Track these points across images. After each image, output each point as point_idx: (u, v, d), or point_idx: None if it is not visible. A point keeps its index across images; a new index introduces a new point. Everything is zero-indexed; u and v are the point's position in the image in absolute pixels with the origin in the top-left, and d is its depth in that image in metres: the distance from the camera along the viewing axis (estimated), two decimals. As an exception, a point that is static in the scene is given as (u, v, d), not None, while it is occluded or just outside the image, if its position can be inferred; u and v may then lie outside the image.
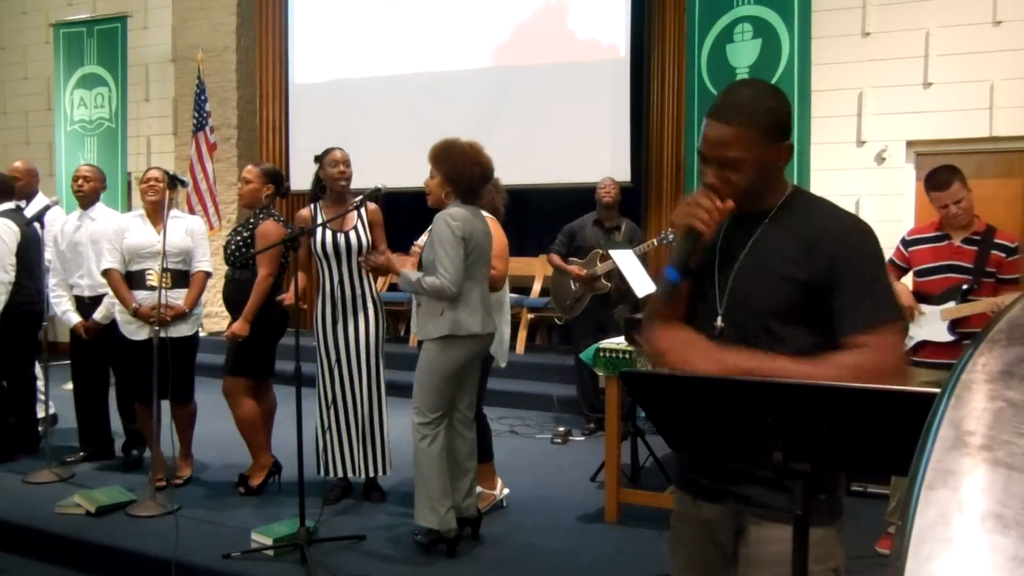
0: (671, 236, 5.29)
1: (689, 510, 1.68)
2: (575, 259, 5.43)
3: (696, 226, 1.56)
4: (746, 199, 1.58)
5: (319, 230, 3.83)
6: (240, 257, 4.01)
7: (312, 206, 3.94)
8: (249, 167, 4.21)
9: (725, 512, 1.60)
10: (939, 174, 3.39)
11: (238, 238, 4.10)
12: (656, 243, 5.34)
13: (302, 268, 3.93)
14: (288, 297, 4.00)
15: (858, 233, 1.55)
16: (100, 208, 4.68)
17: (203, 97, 7.55)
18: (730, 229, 1.63)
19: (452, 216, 3.22)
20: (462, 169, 3.30)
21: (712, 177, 1.57)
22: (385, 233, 4.06)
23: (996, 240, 3.34)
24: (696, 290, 1.67)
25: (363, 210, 3.96)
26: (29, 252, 4.64)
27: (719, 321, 1.60)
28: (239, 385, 4.06)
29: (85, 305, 4.56)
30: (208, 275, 4.27)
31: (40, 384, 5.17)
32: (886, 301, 1.50)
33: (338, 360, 3.89)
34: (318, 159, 3.98)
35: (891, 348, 1.46)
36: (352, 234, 3.89)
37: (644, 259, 5.12)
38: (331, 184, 3.92)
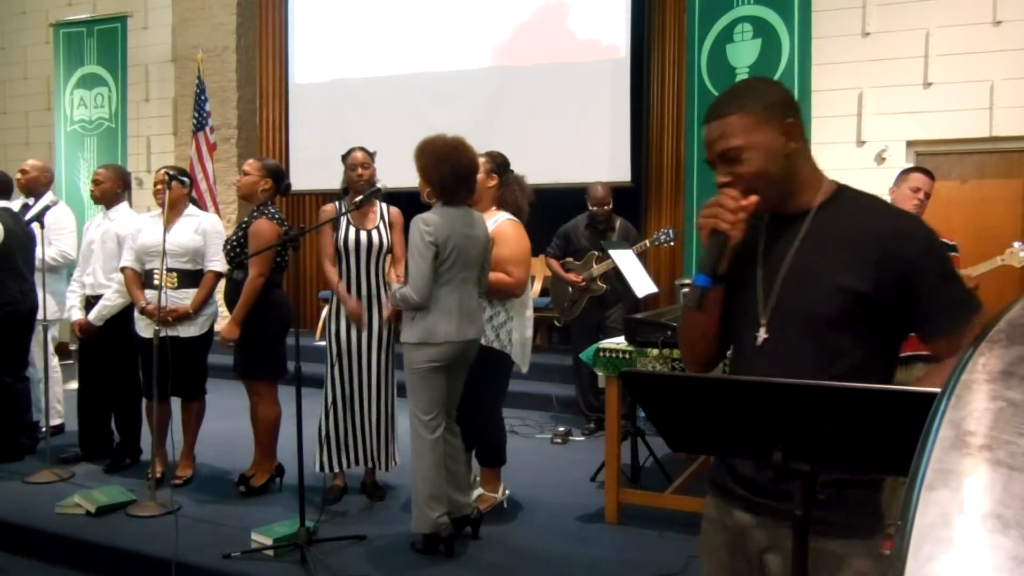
0: (664, 236, 5.28)
1: (722, 516, 1.60)
2: (571, 260, 5.42)
3: (721, 228, 1.48)
4: (772, 193, 1.50)
5: (343, 227, 3.89)
6: (235, 257, 4.01)
7: (337, 203, 4.00)
8: (250, 160, 4.19)
9: (764, 523, 1.52)
10: (922, 169, 3.76)
11: (233, 238, 4.09)
12: (649, 244, 5.32)
13: (331, 263, 3.96)
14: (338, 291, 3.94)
15: (926, 231, 1.47)
16: (120, 208, 4.66)
17: (203, 97, 7.54)
18: (770, 231, 1.55)
19: (425, 221, 3.19)
20: (431, 169, 3.25)
21: (721, 175, 1.50)
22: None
23: None
24: (733, 299, 1.58)
25: (386, 212, 4.03)
26: (14, 251, 4.62)
27: (762, 332, 1.51)
28: (264, 388, 4.07)
29: (90, 304, 4.57)
30: (218, 275, 4.22)
31: (57, 389, 5.16)
32: (968, 294, 1.47)
33: (349, 356, 3.90)
34: (345, 158, 4.04)
35: None
36: (374, 233, 3.94)
37: (642, 259, 5.12)
38: (352, 186, 3.96)
